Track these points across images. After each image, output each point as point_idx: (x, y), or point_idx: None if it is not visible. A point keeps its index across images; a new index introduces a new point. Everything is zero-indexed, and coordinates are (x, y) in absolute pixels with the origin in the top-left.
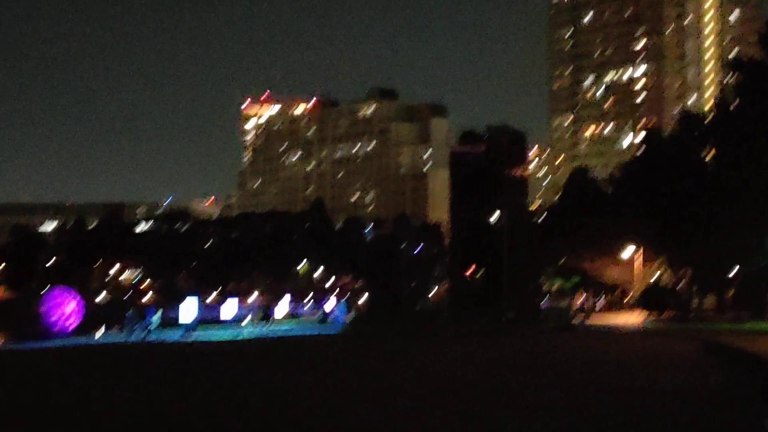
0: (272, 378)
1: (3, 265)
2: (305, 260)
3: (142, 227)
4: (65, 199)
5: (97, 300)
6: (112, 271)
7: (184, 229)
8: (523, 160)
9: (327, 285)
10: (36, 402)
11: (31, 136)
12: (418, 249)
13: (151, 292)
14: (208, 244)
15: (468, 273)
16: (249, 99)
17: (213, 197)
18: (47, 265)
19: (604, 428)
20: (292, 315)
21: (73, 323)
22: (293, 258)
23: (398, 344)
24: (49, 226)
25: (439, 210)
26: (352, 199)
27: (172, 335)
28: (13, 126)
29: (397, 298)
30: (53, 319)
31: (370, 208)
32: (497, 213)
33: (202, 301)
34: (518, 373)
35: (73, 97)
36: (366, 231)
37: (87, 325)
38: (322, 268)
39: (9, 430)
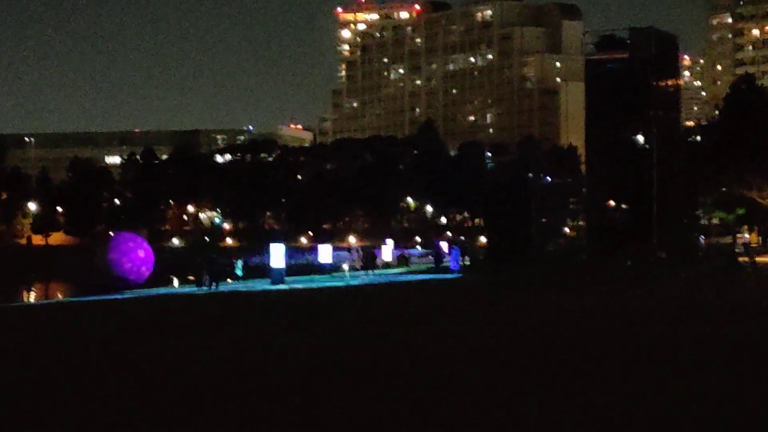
0: (390, 334)
1: (62, 207)
2: (413, 195)
3: (221, 158)
4: (132, 126)
5: (170, 245)
6: (187, 211)
7: (270, 159)
8: (675, 69)
9: (440, 223)
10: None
11: (92, 57)
12: (549, 178)
13: (230, 238)
14: (299, 177)
15: (610, 206)
16: (342, 7)
17: (303, 122)
18: (112, 205)
19: None
20: (399, 259)
21: (145, 273)
22: (399, 192)
23: (525, 293)
24: (113, 159)
25: (574, 131)
26: (469, 120)
27: (259, 285)
28: (72, 46)
29: (524, 237)
30: (125, 268)
31: (491, 130)
32: (644, 133)
33: (292, 245)
34: (687, 325)
35: (140, 13)
36: (486, 158)
37: (159, 276)
38: (433, 203)
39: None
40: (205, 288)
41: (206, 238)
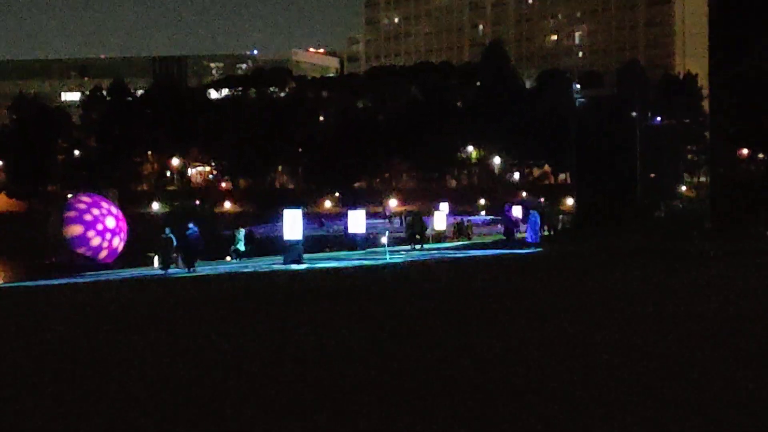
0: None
1: (2, 160)
2: (476, 142)
3: (216, 94)
4: (96, 52)
5: (149, 211)
6: (171, 166)
7: (282, 95)
8: None
9: (512, 180)
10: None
11: None
12: (660, 119)
13: (230, 201)
14: (321, 119)
15: (741, 155)
16: None
17: (326, 45)
18: (70, 157)
19: None
20: (457, 229)
21: (116, 249)
22: (457, 138)
23: (631, 273)
24: (72, 95)
25: (692, 55)
26: (551, 41)
27: (266, 265)
28: None
29: (627, 199)
30: (91, 244)
31: (580, 54)
32: None
33: (313, 210)
34: None
35: None
36: (574, 92)
37: (131, 253)
38: (503, 153)
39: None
40: (178, 270)
41: (197, 201)
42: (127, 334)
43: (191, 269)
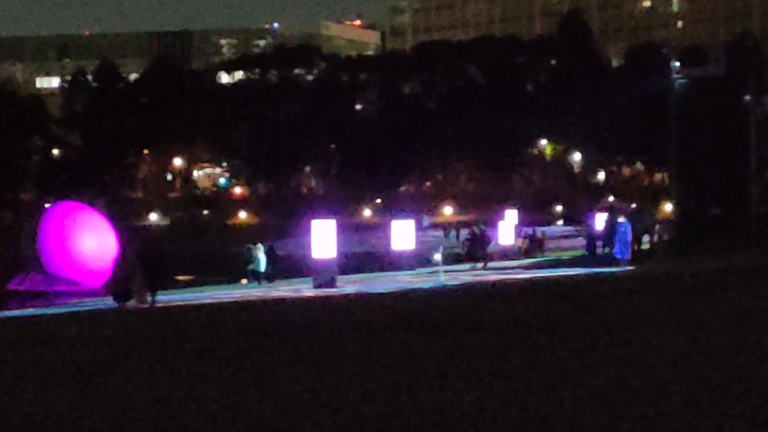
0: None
1: None
2: (550, 134)
3: (228, 78)
4: (79, 28)
5: (147, 223)
6: (173, 168)
7: (310, 78)
8: None
9: (595, 181)
10: None
11: None
12: None
13: (245, 210)
14: (358, 107)
15: None
16: None
17: (363, 16)
18: (48, 158)
19: None
20: (528, 243)
21: (104, 272)
22: (525, 129)
23: (751, 298)
24: (49, 81)
25: None
26: (642, 8)
27: (287, 288)
28: None
29: (738, 201)
30: (84, 267)
31: (679, 24)
32: None
33: (348, 219)
34: None
35: None
36: (672, 70)
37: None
38: (584, 147)
39: None
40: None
41: (204, 211)
42: None
43: (153, 298)
